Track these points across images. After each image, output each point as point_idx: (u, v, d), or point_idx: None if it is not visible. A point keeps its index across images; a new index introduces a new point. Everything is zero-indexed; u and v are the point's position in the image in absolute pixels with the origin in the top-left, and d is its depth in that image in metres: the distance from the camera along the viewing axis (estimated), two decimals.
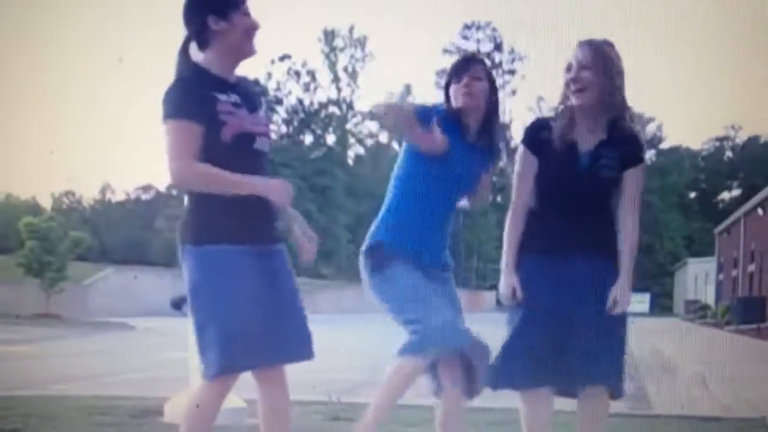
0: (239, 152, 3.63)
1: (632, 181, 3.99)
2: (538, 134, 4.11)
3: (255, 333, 3.60)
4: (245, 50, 3.76)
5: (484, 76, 4.28)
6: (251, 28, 3.74)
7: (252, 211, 3.66)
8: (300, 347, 3.83)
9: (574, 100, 3.96)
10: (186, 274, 3.69)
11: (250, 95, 3.81)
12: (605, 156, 3.98)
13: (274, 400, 3.94)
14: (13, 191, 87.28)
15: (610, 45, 3.96)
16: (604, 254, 4.01)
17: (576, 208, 4.00)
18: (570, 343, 3.97)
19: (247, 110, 3.71)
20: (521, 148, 4.19)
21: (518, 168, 4.22)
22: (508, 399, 8.47)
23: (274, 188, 3.71)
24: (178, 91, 3.62)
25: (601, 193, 4.01)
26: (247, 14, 3.73)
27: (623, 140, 4.00)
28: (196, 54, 3.74)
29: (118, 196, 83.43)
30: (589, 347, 3.97)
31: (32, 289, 32.70)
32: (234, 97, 3.67)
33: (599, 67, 3.91)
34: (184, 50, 3.73)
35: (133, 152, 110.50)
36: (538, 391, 4.24)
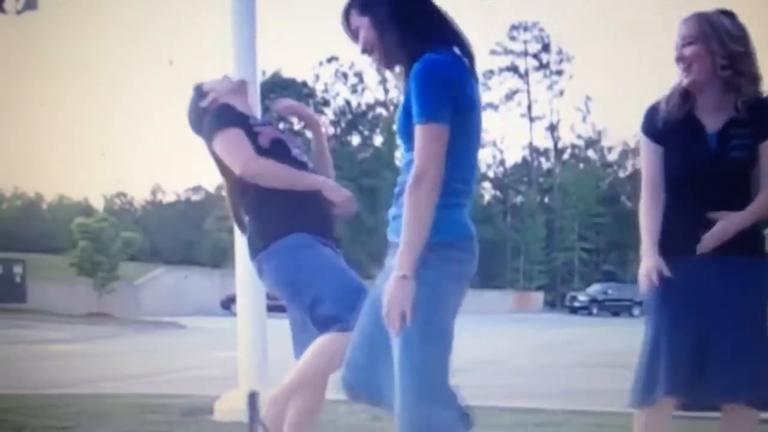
0: (279, 158, 3.86)
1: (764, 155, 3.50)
2: (655, 120, 3.64)
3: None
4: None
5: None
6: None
7: (317, 207, 3.84)
8: None
9: (683, 80, 3.54)
10: (272, 275, 3.79)
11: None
12: (736, 135, 3.51)
13: None
14: (66, 193, 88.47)
15: (724, 13, 3.54)
16: (750, 249, 3.56)
17: (711, 199, 3.52)
18: (715, 351, 3.50)
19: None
20: (642, 138, 3.69)
21: (643, 160, 3.70)
22: (554, 400, 8.46)
23: (330, 186, 3.88)
24: (219, 109, 3.98)
25: (736, 179, 3.53)
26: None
27: (755, 112, 3.51)
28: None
29: (169, 197, 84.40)
30: (737, 355, 3.47)
31: (84, 288, 33.09)
32: (253, 120, 4.09)
33: (704, 38, 3.49)
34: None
35: (183, 154, 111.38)
36: (666, 402, 3.66)
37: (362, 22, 3.15)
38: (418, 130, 2.91)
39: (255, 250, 3.81)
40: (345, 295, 3.65)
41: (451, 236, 2.99)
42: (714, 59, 3.48)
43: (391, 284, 2.86)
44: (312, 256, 3.74)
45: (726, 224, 3.47)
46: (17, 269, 34.95)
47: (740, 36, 3.50)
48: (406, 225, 2.91)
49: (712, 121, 3.55)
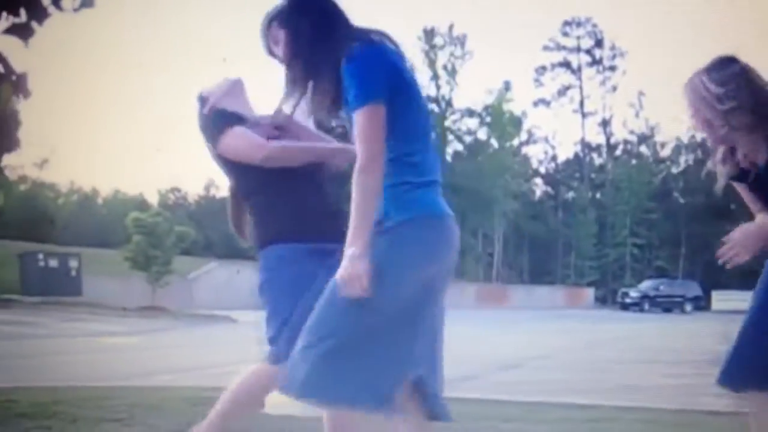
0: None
1: None
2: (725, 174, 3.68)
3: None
4: None
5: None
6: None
7: (312, 210, 3.81)
8: None
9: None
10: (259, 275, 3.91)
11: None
12: None
13: None
14: (122, 188, 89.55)
15: (712, 67, 3.53)
16: None
17: None
18: None
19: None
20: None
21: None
22: (604, 396, 8.45)
23: (336, 151, 3.96)
24: (214, 115, 3.98)
25: None
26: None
27: None
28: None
29: (222, 192, 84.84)
30: None
31: (139, 282, 33.45)
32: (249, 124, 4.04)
33: (696, 108, 3.54)
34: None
35: None
36: None
37: (281, 35, 3.32)
38: (357, 116, 2.99)
39: (255, 250, 3.90)
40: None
41: (407, 215, 2.99)
42: (712, 123, 3.50)
43: (344, 264, 2.90)
44: (277, 281, 3.81)
45: None
46: (73, 263, 35.46)
47: (725, 92, 3.44)
48: (355, 208, 2.95)
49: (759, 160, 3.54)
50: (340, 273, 2.91)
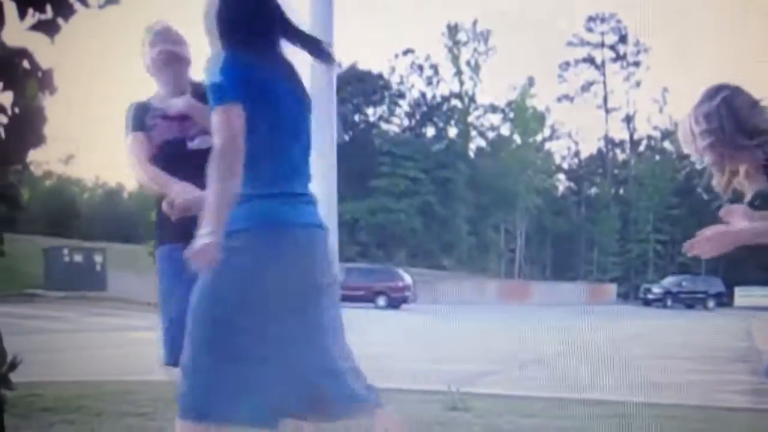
0: (169, 158, 3.97)
1: None
2: None
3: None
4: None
5: None
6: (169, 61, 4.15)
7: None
8: None
9: None
10: None
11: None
12: None
13: None
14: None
15: (694, 107, 3.51)
16: None
17: None
18: None
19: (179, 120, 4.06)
20: None
21: None
22: (626, 392, 8.44)
23: (174, 190, 3.83)
24: (131, 110, 4.11)
25: None
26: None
27: None
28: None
29: None
30: None
31: (155, 279, 33.63)
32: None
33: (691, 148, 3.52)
34: None
35: None
36: None
37: None
38: (212, 114, 3.09)
39: None
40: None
41: (229, 227, 3.02)
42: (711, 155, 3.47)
43: (195, 242, 2.95)
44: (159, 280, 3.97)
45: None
46: (98, 258, 35.69)
47: (707, 128, 3.42)
48: (208, 193, 3.03)
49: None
50: (190, 248, 2.93)
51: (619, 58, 78.76)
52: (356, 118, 70.20)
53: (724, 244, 3.37)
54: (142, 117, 4.06)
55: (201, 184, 3.53)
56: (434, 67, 73.36)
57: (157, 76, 4.14)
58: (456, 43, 73.87)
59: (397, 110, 72.82)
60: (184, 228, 3.70)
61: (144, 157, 3.99)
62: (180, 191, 3.77)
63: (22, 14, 3.74)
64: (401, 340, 17.36)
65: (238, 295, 3.03)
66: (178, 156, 3.97)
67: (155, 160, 3.98)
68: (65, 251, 34.90)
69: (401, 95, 72.78)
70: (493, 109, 75.37)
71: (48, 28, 3.78)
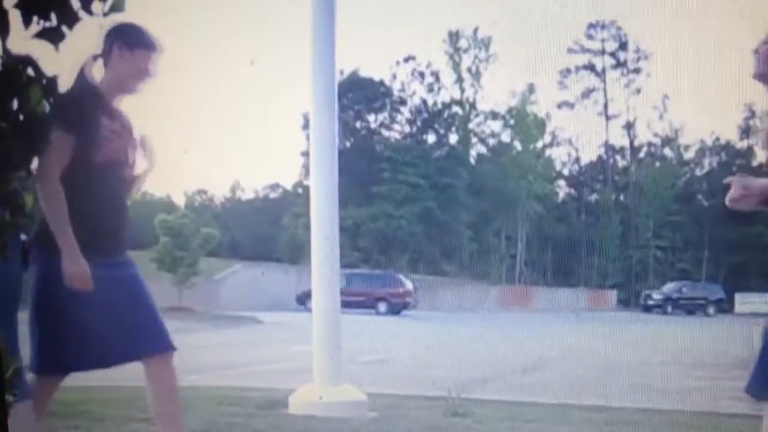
0: (106, 178, 3.89)
1: None
2: None
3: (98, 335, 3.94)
4: (131, 86, 4.01)
5: None
6: (145, 72, 3.99)
7: (101, 224, 3.92)
8: (154, 342, 4.14)
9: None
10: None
11: (127, 126, 4.05)
12: None
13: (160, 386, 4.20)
14: (149, 189, 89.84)
15: None
16: None
17: None
18: None
19: (124, 138, 3.99)
20: None
21: None
22: (627, 398, 8.46)
23: (72, 268, 3.76)
24: (65, 100, 3.75)
25: None
26: (150, 59, 4.00)
27: None
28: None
29: (248, 195, 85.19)
30: None
31: (165, 283, 33.63)
32: (116, 125, 3.95)
33: None
34: (86, 65, 3.97)
35: (262, 152, 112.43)
36: None
37: None
38: None
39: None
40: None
41: None
42: None
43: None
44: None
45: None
46: None
47: None
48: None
49: None
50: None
51: (620, 65, 78.78)
52: (357, 124, 70.22)
53: (753, 193, 3.33)
54: (79, 121, 3.80)
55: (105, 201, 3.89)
56: (435, 74, 73.40)
57: (119, 79, 3.98)
58: (457, 50, 73.92)
59: (398, 117, 72.80)
60: (96, 246, 3.86)
61: (57, 168, 3.72)
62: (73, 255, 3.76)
63: (27, 22, 3.78)
64: (402, 346, 17.36)
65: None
66: (114, 180, 3.98)
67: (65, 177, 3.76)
68: None
69: (402, 102, 72.78)
70: (494, 115, 75.38)
71: (52, 35, 3.81)
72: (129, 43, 3.95)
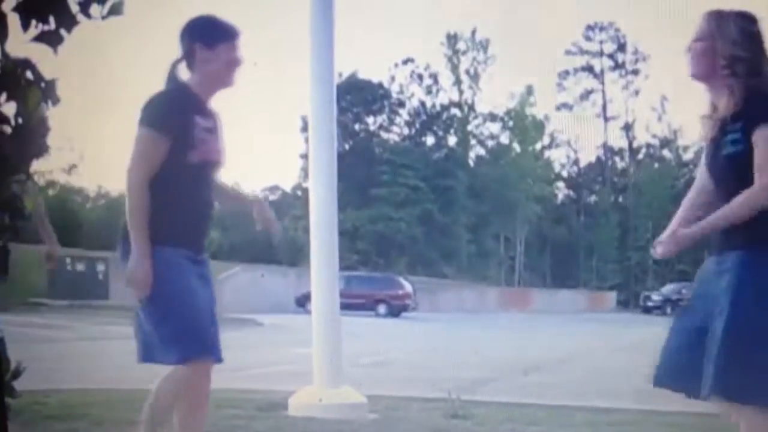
0: (198, 179, 3.90)
1: (758, 145, 3.40)
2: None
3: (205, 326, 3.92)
4: (225, 80, 3.99)
5: None
6: (234, 63, 3.96)
7: (193, 222, 3.97)
8: (216, 346, 4.06)
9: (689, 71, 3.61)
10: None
11: (219, 124, 4.05)
12: (731, 130, 3.48)
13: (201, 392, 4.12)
14: None
15: (742, 15, 3.55)
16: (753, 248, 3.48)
17: (718, 197, 3.58)
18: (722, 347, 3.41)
19: (217, 137, 4.00)
20: None
21: None
22: (627, 400, 8.45)
23: (133, 270, 3.84)
24: (162, 102, 3.88)
25: (732, 177, 3.49)
26: (234, 49, 3.96)
27: (752, 104, 3.45)
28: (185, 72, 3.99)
29: None
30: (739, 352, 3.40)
31: None
32: (207, 122, 3.93)
33: (711, 37, 3.53)
34: (174, 67, 3.97)
35: (261, 154, 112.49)
36: None
37: None
38: None
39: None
40: (185, 331, 3.86)
41: None
42: (716, 59, 3.51)
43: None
44: (173, 279, 3.84)
45: (677, 235, 3.57)
46: (100, 267, 35.74)
47: (747, 41, 3.50)
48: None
49: (724, 119, 3.54)
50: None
51: (618, 66, 78.93)
52: (356, 127, 70.25)
53: (679, 242, 3.54)
54: (178, 123, 3.85)
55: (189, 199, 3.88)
56: (434, 76, 73.56)
57: (209, 77, 3.95)
58: (455, 52, 74.02)
59: (397, 119, 72.90)
60: (190, 237, 3.94)
61: (150, 171, 3.81)
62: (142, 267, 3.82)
63: (25, 26, 3.77)
64: (402, 348, 17.36)
65: None
66: (204, 183, 3.99)
67: (177, 173, 3.83)
68: (68, 261, 34.92)
69: (401, 104, 72.87)
70: (493, 117, 75.52)
71: (51, 39, 3.80)
72: (208, 42, 3.90)
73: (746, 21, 3.55)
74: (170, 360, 3.87)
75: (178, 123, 3.82)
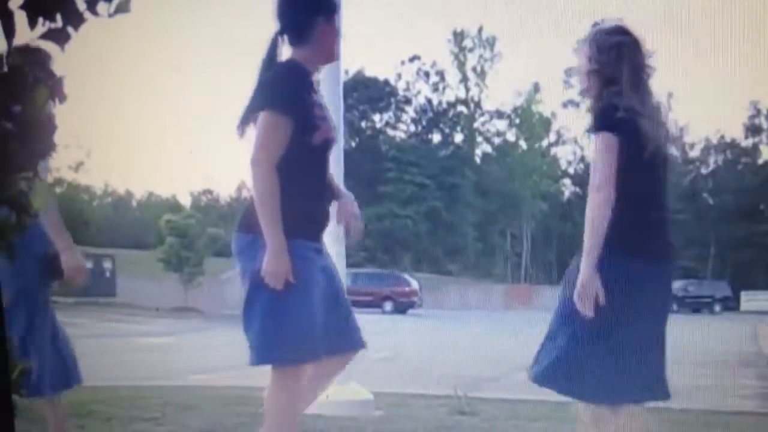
0: (317, 162, 3.73)
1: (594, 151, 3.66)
2: None
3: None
4: (335, 53, 3.84)
5: None
6: (338, 35, 3.84)
7: (318, 210, 3.77)
8: (352, 337, 3.90)
9: None
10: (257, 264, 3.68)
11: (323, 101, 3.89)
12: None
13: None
14: (155, 190, 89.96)
15: (603, 29, 3.94)
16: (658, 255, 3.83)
17: None
18: (631, 352, 3.72)
19: (328, 117, 3.82)
20: None
21: None
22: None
23: (273, 264, 3.59)
24: (282, 81, 3.69)
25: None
26: (338, 20, 3.84)
27: (594, 114, 3.84)
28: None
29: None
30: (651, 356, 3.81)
31: (171, 283, 33.69)
32: (319, 98, 3.78)
33: (578, 54, 3.96)
34: (276, 43, 3.76)
35: None
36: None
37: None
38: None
39: (250, 228, 3.69)
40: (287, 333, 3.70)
41: None
42: (582, 76, 3.87)
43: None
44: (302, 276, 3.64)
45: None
46: (107, 264, 35.80)
47: (603, 54, 3.80)
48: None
49: None
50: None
51: None
52: (363, 124, 70.22)
53: (587, 294, 3.62)
54: (300, 102, 3.67)
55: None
56: (440, 74, 73.42)
57: (322, 52, 3.78)
58: (462, 49, 73.89)
59: (404, 116, 72.81)
60: (315, 227, 3.76)
61: (277, 157, 3.59)
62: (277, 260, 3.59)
63: (33, 23, 3.79)
64: (408, 345, 17.38)
65: None
66: (321, 167, 3.81)
67: (300, 155, 3.63)
68: None
69: (407, 101, 72.78)
70: (499, 114, 75.34)
71: (58, 37, 3.83)
72: (329, 14, 3.76)
73: (609, 34, 3.85)
74: (282, 360, 3.72)
75: (300, 102, 3.66)
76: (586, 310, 3.57)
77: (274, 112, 3.58)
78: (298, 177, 3.63)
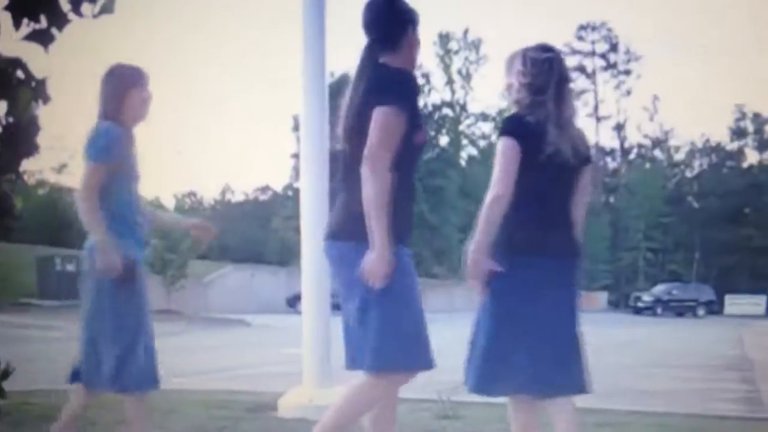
0: (410, 163, 3.76)
1: None
2: None
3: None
4: (416, 61, 3.96)
5: None
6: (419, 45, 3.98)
7: (410, 213, 3.85)
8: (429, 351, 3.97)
9: None
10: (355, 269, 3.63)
11: None
12: None
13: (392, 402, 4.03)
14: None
15: (532, 47, 4.01)
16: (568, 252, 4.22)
17: None
18: (542, 349, 4.00)
19: None
20: None
21: None
22: (616, 401, 8.47)
23: (380, 263, 3.56)
24: (402, 80, 3.75)
25: None
26: None
27: None
28: None
29: (237, 197, 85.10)
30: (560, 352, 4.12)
31: (154, 285, 33.61)
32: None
33: (507, 71, 4.06)
34: (373, 50, 3.88)
35: (252, 154, 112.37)
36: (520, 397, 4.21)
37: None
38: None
39: (351, 235, 3.65)
40: (405, 338, 3.70)
41: None
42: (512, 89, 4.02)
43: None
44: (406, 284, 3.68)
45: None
46: None
47: (531, 67, 3.92)
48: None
49: None
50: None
51: (610, 66, 79.01)
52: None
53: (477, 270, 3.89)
54: (414, 93, 3.87)
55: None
56: (426, 76, 73.41)
57: (414, 59, 3.93)
58: (447, 51, 73.98)
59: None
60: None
61: (391, 149, 3.58)
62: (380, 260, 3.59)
63: (17, 24, 3.76)
64: None
65: None
66: (412, 167, 3.86)
67: (407, 156, 3.67)
68: (57, 260, 34.83)
69: None
70: (485, 117, 75.45)
71: (42, 37, 3.80)
72: (415, 24, 3.90)
73: (537, 51, 3.96)
74: (391, 368, 3.73)
75: (414, 102, 3.75)
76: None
77: (395, 107, 3.60)
78: (403, 178, 3.66)
